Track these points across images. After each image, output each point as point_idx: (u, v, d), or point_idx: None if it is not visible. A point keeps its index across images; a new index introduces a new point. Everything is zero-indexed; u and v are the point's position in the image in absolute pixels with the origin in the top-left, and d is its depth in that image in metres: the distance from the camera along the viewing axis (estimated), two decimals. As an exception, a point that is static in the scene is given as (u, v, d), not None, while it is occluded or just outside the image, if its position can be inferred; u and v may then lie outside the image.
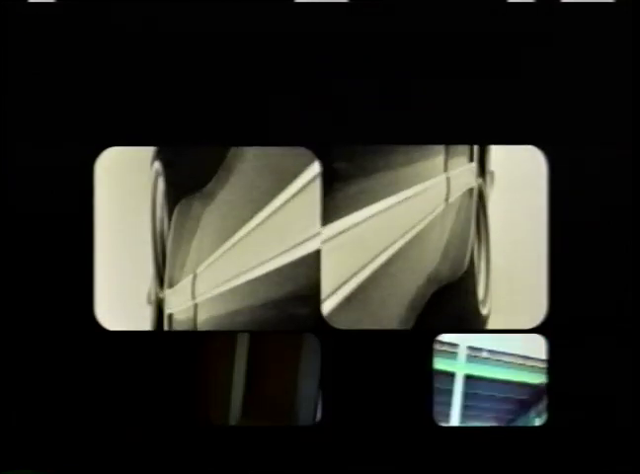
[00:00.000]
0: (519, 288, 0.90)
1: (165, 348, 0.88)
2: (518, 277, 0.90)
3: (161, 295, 0.91)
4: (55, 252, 0.87)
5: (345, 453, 0.88)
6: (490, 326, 0.91)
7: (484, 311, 0.93)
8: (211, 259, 0.90)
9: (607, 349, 0.87)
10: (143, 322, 0.95)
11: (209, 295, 0.90)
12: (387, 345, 0.87)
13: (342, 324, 0.87)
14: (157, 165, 0.91)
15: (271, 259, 0.87)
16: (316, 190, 0.87)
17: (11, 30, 0.87)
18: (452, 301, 0.93)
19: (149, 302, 0.92)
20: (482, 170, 0.93)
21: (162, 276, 0.93)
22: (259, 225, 0.88)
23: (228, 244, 0.90)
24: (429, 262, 0.92)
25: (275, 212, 0.88)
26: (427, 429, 0.88)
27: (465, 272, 0.94)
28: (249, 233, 0.88)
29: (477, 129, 0.88)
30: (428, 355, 0.87)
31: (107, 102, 0.88)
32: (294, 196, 0.87)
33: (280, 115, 0.88)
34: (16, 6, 0.88)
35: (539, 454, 0.88)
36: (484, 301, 0.93)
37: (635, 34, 0.88)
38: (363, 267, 0.87)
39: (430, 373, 0.87)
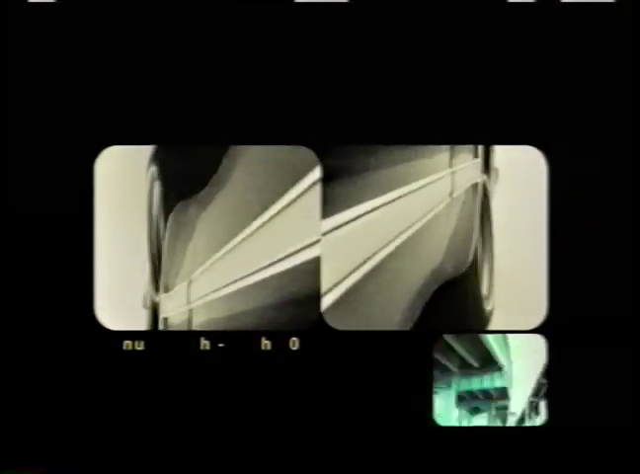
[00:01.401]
0: (519, 288, 0.90)
1: (165, 347, 0.88)
2: (518, 278, 0.90)
3: (156, 299, 0.91)
4: (55, 252, 0.87)
5: (345, 453, 0.88)
6: (492, 324, 0.91)
7: (488, 307, 0.93)
8: (206, 265, 0.90)
9: (607, 349, 0.87)
10: (142, 322, 0.95)
11: (204, 301, 0.90)
12: (387, 345, 0.87)
13: (341, 323, 0.87)
14: (153, 169, 0.91)
15: (268, 265, 0.87)
16: (316, 192, 0.87)
17: (11, 30, 0.87)
18: (456, 297, 0.93)
19: (145, 306, 0.92)
20: (486, 166, 0.93)
21: (158, 280, 0.93)
22: (254, 231, 0.88)
23: (223, 250, 0.90)
24: (433, 257, 0.92)
25: (271, 218, 0.87)
26: (427, 429, 0.88)
27: (468, 267, 0.94)
28: (244, 240, 0.88)
29: (477, 130, 0.88)
30: (428, 355, 0.87)
31: (107, 102, 0.88)
32: (293, 201, 0.87)
33: (279, 115, 0.88)
34: (16, 6, 0.88)
35: (539, 454, 0.88)
36: (488, 297, 0.93)
37: (635, 34, 0.88)
38: (364, 262, 0.87)
39: (430, 373, 0.87)
